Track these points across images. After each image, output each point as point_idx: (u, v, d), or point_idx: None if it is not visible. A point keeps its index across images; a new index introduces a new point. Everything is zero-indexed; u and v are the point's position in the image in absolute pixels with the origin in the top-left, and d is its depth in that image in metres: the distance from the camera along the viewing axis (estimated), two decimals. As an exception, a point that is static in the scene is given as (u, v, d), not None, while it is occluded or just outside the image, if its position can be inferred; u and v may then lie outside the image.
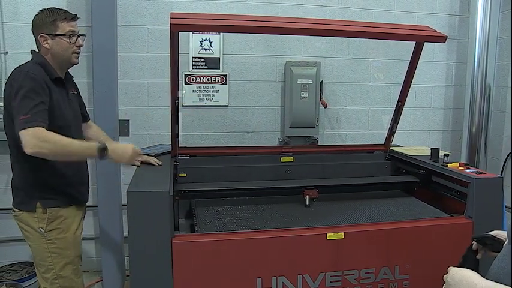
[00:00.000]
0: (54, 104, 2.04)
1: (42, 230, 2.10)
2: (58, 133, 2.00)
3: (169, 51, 2.34)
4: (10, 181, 2.25)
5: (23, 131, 1.86)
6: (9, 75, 2.06)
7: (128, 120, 3.57)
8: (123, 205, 3.30)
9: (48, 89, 2.02)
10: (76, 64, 2.23)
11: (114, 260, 3.35)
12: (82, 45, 2.20)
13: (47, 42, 2.10)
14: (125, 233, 2.84)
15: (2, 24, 3.30)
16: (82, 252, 2.37)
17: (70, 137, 2.15)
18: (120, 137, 3.38)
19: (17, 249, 3.41)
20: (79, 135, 2.31)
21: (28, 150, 1.86)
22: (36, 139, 1.86)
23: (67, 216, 2.18)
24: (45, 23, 2.10)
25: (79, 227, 2.28)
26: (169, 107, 2.60)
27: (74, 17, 2.17)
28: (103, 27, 3.14)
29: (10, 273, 3.28)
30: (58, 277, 2.13)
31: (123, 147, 2.11)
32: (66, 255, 2.15)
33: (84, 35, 2.26)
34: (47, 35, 2.09)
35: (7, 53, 3.32)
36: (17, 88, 1.94)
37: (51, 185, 2.13)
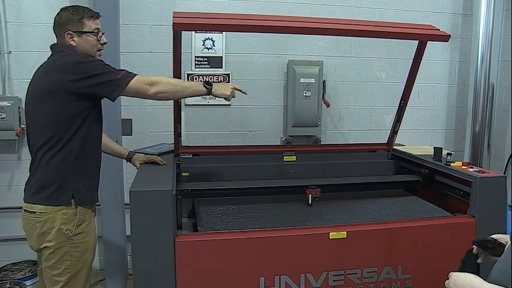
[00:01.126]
0: None
1: (69, 232, 2.04)
2: (98, 127, 2.11)
3: (172, 51, 2.34)
4: (25, 178, 2.14)
5: (130, 83, 1.99)
6: (47, 67, 2.06)
7: (131, 119, 3.58)
8: (126, 204, 3.30)
9: None
10: None
11: (116, 259, 3.36)
12: (106, 43, 2.21)
13: (73, 40, 2.10)
14: (128, 232, 2.84)
15: (5, 23, 3.31)
16: None
17: (100, 133, 2.21)
18: (123, 136, 3.38)
19: (20, 248, 3.41)
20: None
21: (152, 91, 2.02)
22: (148, 82, 2.02)
23: (91, 220, 2.16)
24: (71, 20, 2.09)
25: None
26: (172, 106, 2.60)
27: (98, 15, 2.19)
28: (106, 26, 3.10)
29: (14, 272, 3.30)
30: (71, 279, 2.09)
31: (224, 85, 2.21)
32: (85, 259, 2.13)
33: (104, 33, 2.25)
34: (74, 32, 2.09)
35: (10, 52, 3.33)
36: (86, 65, 1.98)
37: (87, 176, 2.11)
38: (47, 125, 2.03)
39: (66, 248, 2.05)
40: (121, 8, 3.35)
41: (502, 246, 1.33)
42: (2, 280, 3.14)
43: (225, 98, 2.21)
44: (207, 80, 2.13)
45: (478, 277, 1.19)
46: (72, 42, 2.10)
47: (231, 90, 2.18)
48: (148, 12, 3.53)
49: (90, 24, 2.12)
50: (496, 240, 1.37)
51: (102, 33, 2.18)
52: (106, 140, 2.52)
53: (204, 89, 2.14)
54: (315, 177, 2.83)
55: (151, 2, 3.52)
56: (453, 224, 2.30)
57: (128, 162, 2.58)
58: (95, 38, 2.13)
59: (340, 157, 3.06)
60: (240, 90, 2.24)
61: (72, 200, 2.04)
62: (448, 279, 1.27)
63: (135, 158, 2.53)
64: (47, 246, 2.05)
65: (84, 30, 2.10)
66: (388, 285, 2.21)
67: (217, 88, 2.17)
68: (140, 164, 2.48)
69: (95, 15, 2.15)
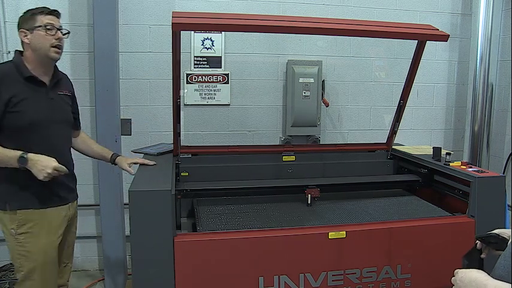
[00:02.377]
0: (19, 103, 2.02)
1: (13, 231, 2.07)
2: (25, 132, 2.02)
3: (171, 51, 2.34)
4: None
5: None
6: None
7: (130, 119, 3.57)
8: (125, 204, 3.30)
9: (12, 87, 2.02)
10: (56, 60, 2.18)
11: (116, 259, 3.36)
12: (60, 38, 2.15)
13: (26, 38, 2.11)
14: (127, 232, 2.85)
15: (4, 23, 3.31)
16: (67, 257, 2.35)
17: (45, 136, 2.11)
18: (122, 136, 3.38)
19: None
20: (61, 136, 2.24)
21: None
22: None
23: (40, 220, 2.11)
24: (25, 19, 2.12)
25: (57, 231, 2.19)
26: (171, 106, 2.60)
27: (53, 12, 2.16)
28: (104, 27, 3.14)
29: (13, 272, 3.30)
30: (26, 279, 2.11)
31: (46, 161, 1.99)
32: (34, 260, 2.10)
33: (68, 32, 2.24)
34: (26, 30, 2.10)
35: (9, 52, 3.33)
36: None
37: (20, 184, 2.07)
38: None
39: (14, 246, 2.10)
40: (120, 8, 3.35)
41: (505, 240, 1.35)
42: (2, 280, 3.14)
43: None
44: (24, 157, 1.95)
45: (483, 273, 1.20)
46: (25, 40, 2.11)
47: (48, 172, 1.95)
48: (148, 12, 3.52)
49: (41, 19, 2.11)
50: (498, 235, 1.39)
51: (59, 30, 2.15)
52: (89, 141, 2.51)
53: (17, 163, 1.96)
54: (314, 177, 2.83)
55: (150, 2, 3.52)
56: (452, 224, 2.30)
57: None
58: (45, 32, 2.10)
59: (339, 157, 3.06)
60: (59, 171, 2.01)
61: (8, 206, 2.06)
62: (453, 276, 1.28)
63: (120, 159, 2.45)
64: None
65: (35, 25, 2.10)
66: (387, 285, 2.20)
67: (34, 164, 1.96)
68: (129, 164, 2.42)
69: (46, 11, 2.14)
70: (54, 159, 2.00)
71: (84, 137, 2.52)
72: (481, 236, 1.42)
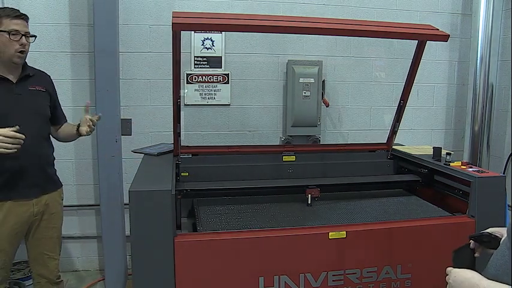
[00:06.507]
0: None
1: None
2: None
3: (171, 51, 2.34)
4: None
5: None
6: None
7: (130, 119, 3.57)
8: (125, 204, 3.30)
9: None
10: (18, 64, 2.21)
11: (116, 259, 3.36)
12: (24, 44, 2.17)
13: None
14: (127, 232, 2.85)
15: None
16: (48, 250, 2.41)
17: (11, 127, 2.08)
18: (122, 136, 3.38)
19: (20, 248, 3.41)
20: (29, 127, 2.17)
21: None
22: None
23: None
24: None
25: (11, 226, 2.24)
26: (172, 106, 2.60)
27: (20, 15, 2.17)
28: (105, 27, 3.14)
29: (13, 272, 3.29)
30: None
31: None
32: None
33: (35, 36, 2.26)
34: None
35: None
36: None
37: None
38: None
39: None
40: (120, 8, 3.35)
41: (497, 239, 1.36)
42: (1, 280, 3.14)
43: None
44: None
45: (477, 273, 1.20)
46: None
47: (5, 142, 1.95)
48: (148, 12, 3.52)
49: (7, 23, 2.13)
50: (491, 234, 1.40)
51: (23, 35, 2.16)
52: (65, 127, 2.48)
53: None
54: (314, 177, 2.83)
55: (150, 2, 3.52)
56: (452, 224, 2.30)
57: (128, 159, 2.54)
58: (8, 37, 2.12)
59: (339, 157, 3.05)
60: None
61: None
62: (447, 274, 1.29)
63: (81, 126, 2.35)
64: None
65: (0, 29, 2.12)
66: (387, 285, 2.20)
67: None
68: (86, 131, 2.33)
69: (13, 15, 2.15)
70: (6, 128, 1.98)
71: (63, 126, 2.49)
72: (474, 236, 1.44)
